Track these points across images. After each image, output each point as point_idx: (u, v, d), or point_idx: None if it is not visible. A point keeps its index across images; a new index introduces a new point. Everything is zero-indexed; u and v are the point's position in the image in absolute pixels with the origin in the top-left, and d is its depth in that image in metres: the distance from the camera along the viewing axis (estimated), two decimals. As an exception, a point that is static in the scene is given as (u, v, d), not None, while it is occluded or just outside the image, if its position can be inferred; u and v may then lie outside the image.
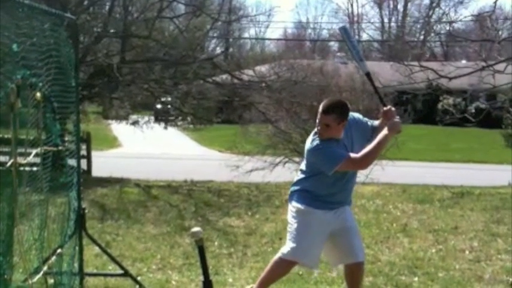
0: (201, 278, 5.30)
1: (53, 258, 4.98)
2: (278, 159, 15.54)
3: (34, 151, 4.49)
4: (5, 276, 4.17)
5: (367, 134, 5.28)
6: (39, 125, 4.55)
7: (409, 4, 60.10)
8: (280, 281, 6.35)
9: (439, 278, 6.67)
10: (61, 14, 5.49)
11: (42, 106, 4.56)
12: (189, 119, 17.98)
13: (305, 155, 5.22)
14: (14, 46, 4.11)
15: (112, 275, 6.26)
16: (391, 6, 61.99)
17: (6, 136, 4.18)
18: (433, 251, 7.83)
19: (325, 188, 5.11)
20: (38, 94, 4.48)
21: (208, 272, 5.28)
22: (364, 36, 62.71)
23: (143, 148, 22.67)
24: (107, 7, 16.70)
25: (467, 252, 7.80)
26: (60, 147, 5.11)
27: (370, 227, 9.09)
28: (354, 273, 5.37)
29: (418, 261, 7.29)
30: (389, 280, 6.55)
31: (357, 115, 5.30)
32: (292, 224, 5.23)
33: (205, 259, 5.24)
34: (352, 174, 5.23)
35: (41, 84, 4.54)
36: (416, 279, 6.61)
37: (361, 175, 14.55)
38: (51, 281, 4.92)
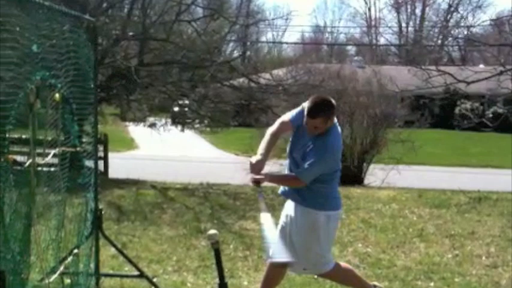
0: (217, 280, 5.30)
1: (70, 258, 5.01)
2: (294, 163, 15.49)
3: (52, 152, 4.53)
4: (22, 276, 4.21)
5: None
6: (58, 126, 4.59)
7: (427, 8, 59.97)
8: (295, 284, 6.38)
9: (455, 283, 6.64)
10: (80, 16, 5.53)
11: (60, 107, 4.60)
12: (206, 121, 17.97)
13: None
14: (34, 47, 4.15)
15: (128, 276, 6.28)
16: (409, 10, 61.89)
17: (24, 136, 4.23)
18: (450, 256, 7.79)
19: None
20: (57, 95, 4.52)
21: (224, 275, 5.28)
22: (382, 41, 62.68)
23: (160, 150, 22.71)
24: (126, 10, 16.80)
25: (484, 257, 7.75)
26: (78, 148, 5.15)
27: (386, 232, 9.06)
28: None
29: (434, 266, 7.25)
30: (405, 285, 6.53)
31: None
32: None
33: (221, 262, 5.24)
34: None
35: (60, 85, 4.59)
36: (432, 284, 6.58)
37: (378, 179, 14.56)
38: (67, 281, 4.95)
